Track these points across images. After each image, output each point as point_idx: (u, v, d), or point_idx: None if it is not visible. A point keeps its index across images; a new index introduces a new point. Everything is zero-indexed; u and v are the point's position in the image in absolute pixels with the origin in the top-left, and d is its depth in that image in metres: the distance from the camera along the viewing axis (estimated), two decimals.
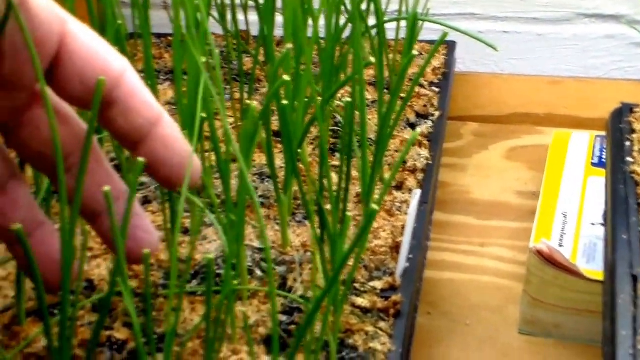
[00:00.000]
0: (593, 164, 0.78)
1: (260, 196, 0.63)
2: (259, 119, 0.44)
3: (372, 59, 0.53)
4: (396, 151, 0.69)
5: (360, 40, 0.49)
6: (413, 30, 0.58)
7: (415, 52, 0.49)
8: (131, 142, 0.39)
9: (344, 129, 0.48)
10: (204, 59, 0.43)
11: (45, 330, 0.39)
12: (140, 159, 0.39)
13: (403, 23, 0.82)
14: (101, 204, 0.40)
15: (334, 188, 0.53)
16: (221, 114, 0.44)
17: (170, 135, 0.39)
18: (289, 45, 0.44)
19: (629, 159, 0.62)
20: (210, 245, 0.58)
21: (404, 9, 0.82)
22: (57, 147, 0.36)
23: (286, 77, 0.41)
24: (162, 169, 0.40)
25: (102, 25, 0.66)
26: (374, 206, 0.32)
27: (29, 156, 0.40)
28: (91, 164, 0.40)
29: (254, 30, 0.87)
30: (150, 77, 0.59)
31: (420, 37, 0.83)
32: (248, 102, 0.51)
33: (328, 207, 0.51)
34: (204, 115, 0.43)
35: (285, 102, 0.42)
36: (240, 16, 0.86)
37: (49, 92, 0.37)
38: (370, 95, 0.79)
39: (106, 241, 0.42)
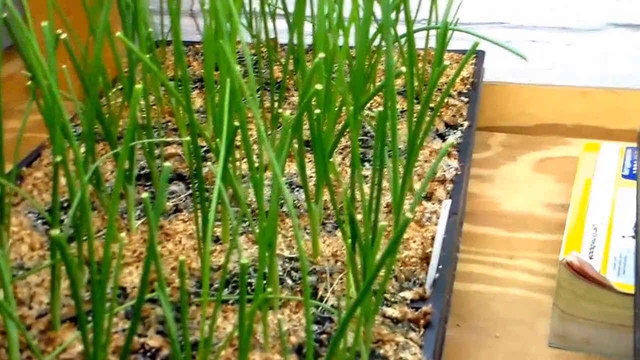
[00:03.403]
0: (624, 176, 0.78)
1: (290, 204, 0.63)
2: (292, 129, 0.44)
3: (403, 69, 0.53)
4: (425, 161, 0.69)
5: (392, 49, 0.49)
6: (444, 39, 0.58)
7: (447, 62, 0.49)
8: None
9: (376, 139, 0.48)
10: (238, 67, 0.43)
11: (82, 336, 0.39)
12: (167, 164, 0.38)
13: (432, 32, 0.83)
14: None
15: (365, 198, 0.53)
16: (256, 118, 0.44)
17: None
18: (321, 55, 0.44)
19: None
20: (242, 254, 0.58)
21: (433, 17, 0.82)
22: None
23: (319, 86, 0.41)
24: None
25: (133, 32, 0.67)
26: (409, 214, 0.32)
27: None
28: None
29: (282, 38, 0.88)
30: (185, 80, 0.60)
31: (449, 47, 0.83)
32: (280, 110, 0.51)
33: (359, 217, 0.51)
34: (237, 123, 0.43)
35: (318, 111, 0.42)
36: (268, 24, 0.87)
37: None
38: (399, 104, 0.79)
39: None
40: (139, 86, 0.36)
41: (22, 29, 0.42)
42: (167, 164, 0.37)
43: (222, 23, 0.49)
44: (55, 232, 0.36)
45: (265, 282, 0.53)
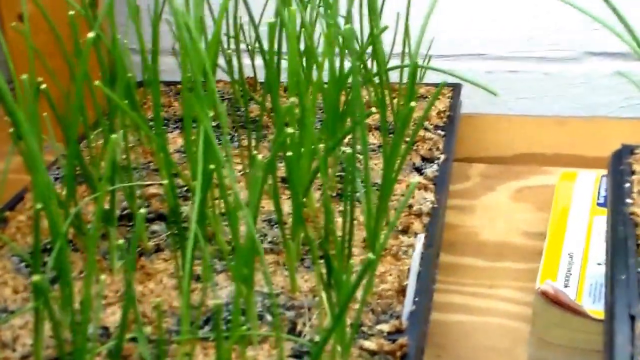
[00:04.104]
0: (599, 204, 0.79)
1: (269, 242, 0.65)
2: (265, 170, 0.45)
3: (374, 109, 0.54)
4: (402, 195, 0.70)
5: (360, 92, 0.51)
6: (413, 78, 0.59)
7: (413, 104, 0.50)
8: None
9: (345, 178, 0.49)
10: (211, 113, 0.44)
11: None
12: (142, 211, 0.40)
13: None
14: None
15: (340, 233, 0.54)
16: (221, 164, 0.45)
17: None
18: (293, 99, 0.46)
19: (628, 200, 0.63)
20: (222, 292, 0.59)
21: (407, 50, 0.84)
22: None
23: (290, 130, 0.42)
24: None
25: (112, 75, 0.68)
26: (371, 255, 0.34)
27: None
28: None
29: (261, 75, 0.89)
30: (159, 123, 0.61)
31: (427, 80, 0.85)
32: (255, 152, 0.52)
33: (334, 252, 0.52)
34: (212, 166, 0.45)
35: (289, 153, 0.44)
36: (248, 60, 0.88)
37: None
38: (376, 139, 0.81)
39: None
40: (114, 136, 0.38)
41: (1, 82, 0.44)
42: (141, 210, 0.38)
43: (197, 66, 0.51)
44: (36, 277, 0.37)
45: (244, 318, 0.54)
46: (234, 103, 0.83)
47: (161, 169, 0.72)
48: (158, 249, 0.65)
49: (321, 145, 0.50)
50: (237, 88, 0.83)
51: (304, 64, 0.68)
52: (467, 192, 0.95)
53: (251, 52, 0.88)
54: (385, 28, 0.63)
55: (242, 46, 0.87)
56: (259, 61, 0.88)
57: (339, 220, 0.64)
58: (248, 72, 0.90)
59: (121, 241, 0.38)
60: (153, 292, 0.60)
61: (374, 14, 0.63)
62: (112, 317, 0.57)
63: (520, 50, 1.02)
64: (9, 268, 0.63)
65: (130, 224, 0.68)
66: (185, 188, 0.72)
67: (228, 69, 0.84)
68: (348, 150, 0.48)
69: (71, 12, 0.58)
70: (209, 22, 0.83)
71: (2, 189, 0.56)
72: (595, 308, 0.64)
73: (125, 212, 0.69)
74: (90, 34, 0.45)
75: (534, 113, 1.04)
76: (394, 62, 0.87)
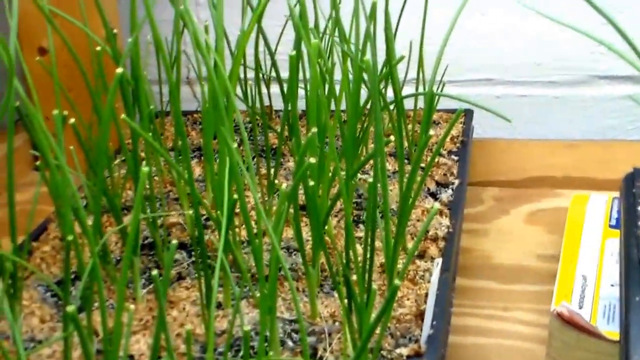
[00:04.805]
0: (611, 226, 0.80)
1: (288, 269, 0.66)
2: (288, 200, 0.46)
3: (392, 137, 0.56)
4: (418, 220, 0.72)
5: (381, 118, 0.52)
6: (430, 106, 0.61)
7: (432, 132, 0.52)
8: None
9: (367, 206, 0.51)
10: (235, 145, 0.46)
11: None
12: (175, 242, 0.41)
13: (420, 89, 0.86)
14: None
15: (359, 259, 0.55)
16: (253, 193, 0.47)
17: None
18: (314, 130, 0.47)
19: None
20: (243, 318, 0.60)
21: (421, 77, 0.85)
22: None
23: (312, 160, 0.44)
24: None
25: (134, 106, 0.70)
26: (397, 282, 0.35)
27: None
28: None
29: (275, 102, 0.91)
30: (185, 154, 0.62)
31: (439, 106, 0.86)
32: (276, 181, 0.54)
33: (354, 277, 0.53)
34: (236, 196, 0.46)
35: (312, 182, 0.45)
36: (263, 89, 0.90)
37: None
38: (390, 165, 0.82)
39: None
40: (145, 168, 0.39)
41: (34, 114, 0.45)
42: (174, 241, 0.40)
43: (220, 101, 0.52)
44: (70, 307, 0.39)
45: (267, 344, 0.55)
46: (250, 131, 0.85)
47: (181, 198, 0.74)
48: (180, 277, 0.66)
49: (343, 173, 0.52)
50: (254, 117, 0.84)
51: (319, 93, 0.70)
52: (481, 215, 0.96)
53: (267, 81, 0.90)
54: (402, 58, 0.65)
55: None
56: (273, 89, 0.90)
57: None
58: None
59: (155, 272, 0.40)
60: (176, 320, 0.61)
61: (390, 43, 0.64)
62: (137, 345, 0.59)
63: (530, 74, 1.04)
64: (36, 298, 0.65)
65: (152, 252, 0.70)
66: (205, 217, 0.73)
67: (244, 97, 0.85)
68: (365, 177, 0.49)
69: (98, 48, 0.60)
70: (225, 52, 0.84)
71: (30, 220, 0.58)
72: (610, 329, 0.65)
73: (146, 241, 0.71)
74: (119, 70, 0.47)
75: (545, 137, 1.05)
76: (407, 88, 0.89)
